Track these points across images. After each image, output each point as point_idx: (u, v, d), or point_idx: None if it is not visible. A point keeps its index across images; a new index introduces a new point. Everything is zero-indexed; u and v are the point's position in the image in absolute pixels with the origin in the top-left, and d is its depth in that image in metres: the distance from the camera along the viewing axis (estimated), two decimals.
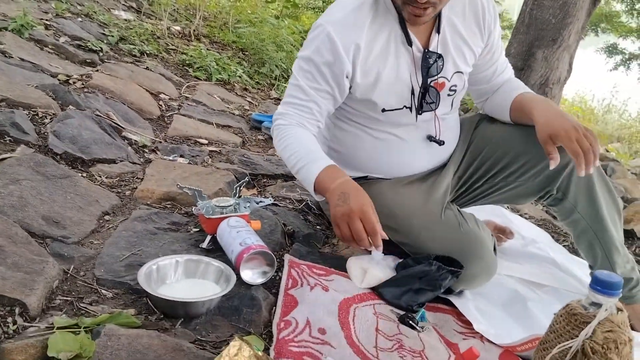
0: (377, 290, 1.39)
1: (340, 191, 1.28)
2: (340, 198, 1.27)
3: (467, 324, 1.37)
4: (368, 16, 1.41)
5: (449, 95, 1.55)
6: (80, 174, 1.64)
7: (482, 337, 1.32)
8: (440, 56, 1.47)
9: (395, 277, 1.40)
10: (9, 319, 0.97)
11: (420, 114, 1.51)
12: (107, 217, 1.49)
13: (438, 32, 1.47)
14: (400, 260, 1.48)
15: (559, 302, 1.59)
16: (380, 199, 1.54)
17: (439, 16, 1.46)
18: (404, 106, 1.49)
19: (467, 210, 1.63)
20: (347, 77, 1.42)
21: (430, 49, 1.46)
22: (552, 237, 2.28)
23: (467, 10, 1.51)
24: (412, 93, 1.48)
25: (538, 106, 1.49)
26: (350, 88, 1.46)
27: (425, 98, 1.49)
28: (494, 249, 1.52)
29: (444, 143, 1.57)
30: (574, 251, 2.12)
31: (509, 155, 1.59)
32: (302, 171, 1.37)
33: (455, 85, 1.54)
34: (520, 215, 2.47)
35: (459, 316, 1.40)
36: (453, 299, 1.45)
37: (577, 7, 3.47)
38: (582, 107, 10.12)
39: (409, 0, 1.32)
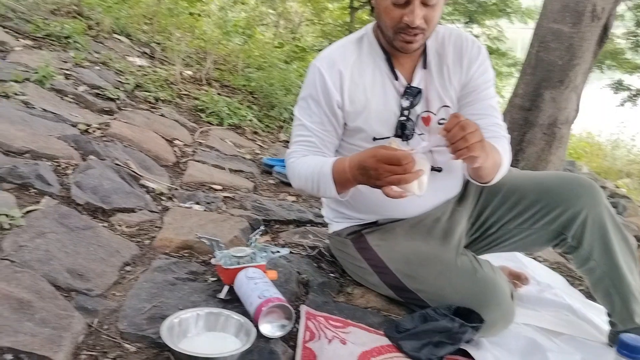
0: (396, 343, 1.40)
1: (356, 170, 1.34)
2: (361, 174, 1.32)
3: None
4: (353, 52, 1.56)
5: None
6: (101, 224, 1.68)
7: None
8: (419, 91, 1.53)
9: (415, 330, 1.41)
10: None
11: (409, 141, 1.55)
12: (128, 268, 1.52)
13: (424, 67, 1.55)
14: (420, 312, 1.48)
15: (577, 352, 1.58)
16: (395, 246, 1.57)
17: (424, 52, 1.55)
18: (394, 135, 1.55)
19: (483, 257, 1.64)
20: (338, 107, 1.54)
21: (413, 85, 1.54)
22: (568, 280, 2.27)
23: (453, 46, 1.57)
24: (399, 122, 1.54)
25: None
26: (343, 118, 1.56)
27: (407, 127, 1.53)
28: (512, 296, 1.52)
29: (441, 170, 1.59)
30: (590, 296, 2.10)
31: (522, 202, 1.61)
32: (321, 187, 1.46)
33: (444, 119, 1.57)
34: (534, 258, 2.46)
35: None
36: (471, 349, 1.44)
37: (583, 49, 3.52)
38: (589, 142, 10.14)
39: (400, 29, 1.42)
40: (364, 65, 1.55)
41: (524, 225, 1.62)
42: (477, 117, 1.54)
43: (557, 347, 1.59)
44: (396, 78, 1.54)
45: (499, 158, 1.43)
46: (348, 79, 1.53)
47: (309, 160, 1.52)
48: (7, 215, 1.43)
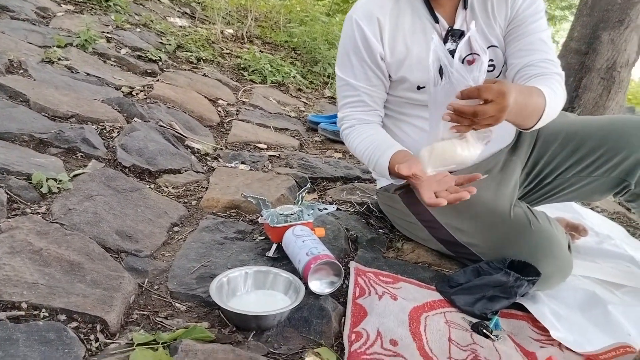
0: (448, 297, 1.36)
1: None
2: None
3: (544, 330, 1.31)
4: (390, 0, 1.47)
5: (488, 71, 1.49)
6: (148, 186, 1.69)
7: (560, 344, 1.27)
8: (462, 33, 1.45)
9: (468, 284, 1.36)
10: (91, 336, 1.00)
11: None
12: (176, 229, 1.52)
13: (465, 7, 1.46)
14: (473, 266, 1.44)
15: None
16: None
17: None
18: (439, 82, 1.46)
19: (537, 208, 1.57)
20: (381, 58, 1.47)
21: (455, 27, 1.46)
22: (628, 231, 2.18)
23: None
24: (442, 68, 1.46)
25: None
26: (387, 69, 1.51)
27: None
28: (569, 247, 1.46)
29: None
30: None
31: (582, 149, 1.53)
32: (377, 167, 1.44)
33: (492, 60, 1.48)
34: (592, 209, 2.36)
35: (534, 322, 1.35)
36: (527, 303, 1.40)
37: None
38: None
39: None
40: (402, 11, 1.47)
41: (583, 173, 1.53)
42: (525, 52, 1.44)
43: (619, 300, 1.53)
44: (436, 21, 1.45)
45: (539, 103, 1.28)
46: (387, 27, 1.46)
47: (364, 137, 1.49)
48: (55, 180, 1.45)
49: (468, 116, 1.12)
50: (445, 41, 1.45)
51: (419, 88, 1.49)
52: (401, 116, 1.58)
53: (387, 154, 1.40)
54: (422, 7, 1.46)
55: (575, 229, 1.87)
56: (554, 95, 1.32)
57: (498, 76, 1.51)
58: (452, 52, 1.44)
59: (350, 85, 1.52)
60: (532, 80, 1.38)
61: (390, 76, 1.51)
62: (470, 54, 1.47)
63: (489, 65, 1.48)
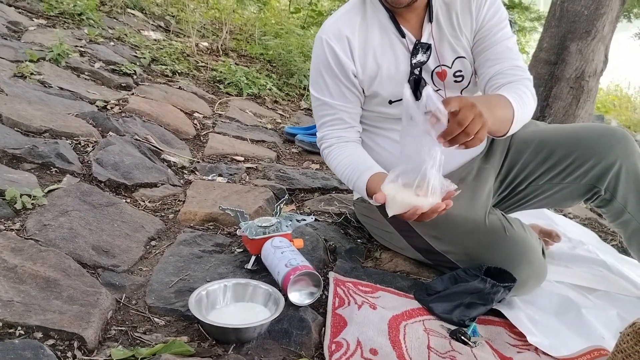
0: (426, 305, 1.38)
1: None
2: None
3: (520, 335, 1.34)
4: (357, 16, 1.50)
5: (455, 82, 1.53)
6: (124, 200, 1.68)
7: (536, 349, 1.29)
8: (429, 47, 1.47)
9: (445, 292, 1.38)
10: (69, 353, 0.99)
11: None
12: (153, 243, 1.51)
13: (430, 20, 1.48)
14: (450, 274, 1.46)
15: (613, 308, 1.55)
16: None
17: (429, 4, 1.48)
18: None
19: (512, 215, 1.60)
20: (354, 75, 1.49)
21: (422, 41, 1.48)
22: (600, 236, 2.23)
23: None
24: (411, 80, 1.49)
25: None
26: (360, 85, 1.52)
27: (419, 85, 1.48)
28: (543, 253, 1.49)
29: None
30: (623, 250, 2.06)
31: (553, 157, 1.56)
32: (356, 188, 1.47)
33: (460, 71, 1.52)
34: (564, 215, 2.41)
35: (511, 328, 1.37)
36: (503, 309, 1.42)
37: None
38: (617, 95, 9.85)
39: None
40: (370, 27, 1.50)
41: (555, 180, 1.57)
42: (493, 61, 1.48)
43: (592, 304, 1.56)
44: (403, 36, 1.48)
45: (508, 113, 1.30)
46: (357, 45, 1.48)
47: (343, 157, 1.50)
48: (29, 196, 1.44)
49: (458, 130, 1.09)
50: (414, 54, 1.47)
51: (390, 102, 1.52)
52: (376, 130, 1.60)
53: (364, 177, 1.41)
54: (388, 23, 1.49)
55: (548, 235, 1.91)
56: (521, 102, 1.35)
57: (467, 86, 1.55)
58: (417, 66, 1.47)
59: (327, 105, 1.54)
60: (502, 88, 1.41)
61: (363, 91, 1.53)
62: (439, 65, 1.49)
63: (459, 76, 1.52)
